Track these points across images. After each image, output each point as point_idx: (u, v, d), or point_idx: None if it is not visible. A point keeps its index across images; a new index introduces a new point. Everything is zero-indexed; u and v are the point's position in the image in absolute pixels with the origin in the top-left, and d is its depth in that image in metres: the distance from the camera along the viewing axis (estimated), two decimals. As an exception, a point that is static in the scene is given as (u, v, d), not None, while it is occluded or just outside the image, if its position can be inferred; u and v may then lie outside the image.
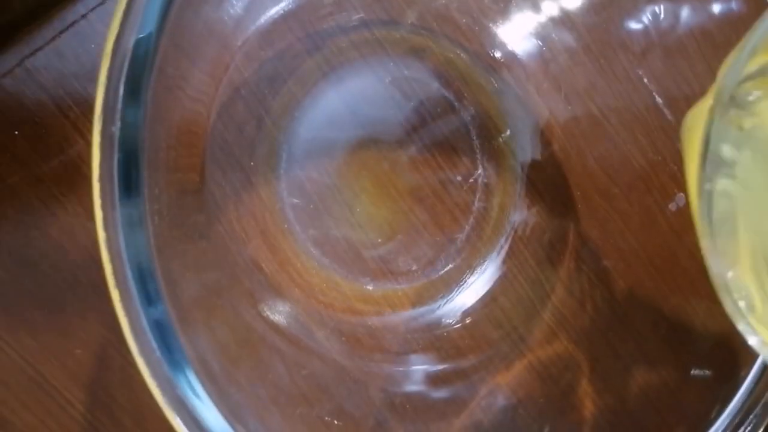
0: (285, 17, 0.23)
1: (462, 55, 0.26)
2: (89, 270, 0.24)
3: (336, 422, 0.22)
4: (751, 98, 0.17)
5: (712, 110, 0.15)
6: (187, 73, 0.19)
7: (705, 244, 0.16)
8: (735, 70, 0.15)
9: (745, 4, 0.20)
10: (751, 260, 0.17)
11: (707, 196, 0.16)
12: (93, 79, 0.15)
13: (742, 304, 0.16)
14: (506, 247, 0.26)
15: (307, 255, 0.25)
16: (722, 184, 0.16)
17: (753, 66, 0.16)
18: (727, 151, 0.16)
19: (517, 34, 0.25)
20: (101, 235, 0.15)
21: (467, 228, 0.26)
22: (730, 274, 0.16)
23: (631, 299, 0.25)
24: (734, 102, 0.16)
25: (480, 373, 0.25)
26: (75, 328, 0.24)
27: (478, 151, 0.26)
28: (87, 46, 0.24)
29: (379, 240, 0.25)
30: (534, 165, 0.26)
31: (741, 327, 0.16)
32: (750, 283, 0.17)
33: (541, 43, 0.25)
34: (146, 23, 0.15)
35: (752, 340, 0.16)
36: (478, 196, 0.26)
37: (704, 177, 0.16)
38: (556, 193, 0.26)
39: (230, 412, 0.17)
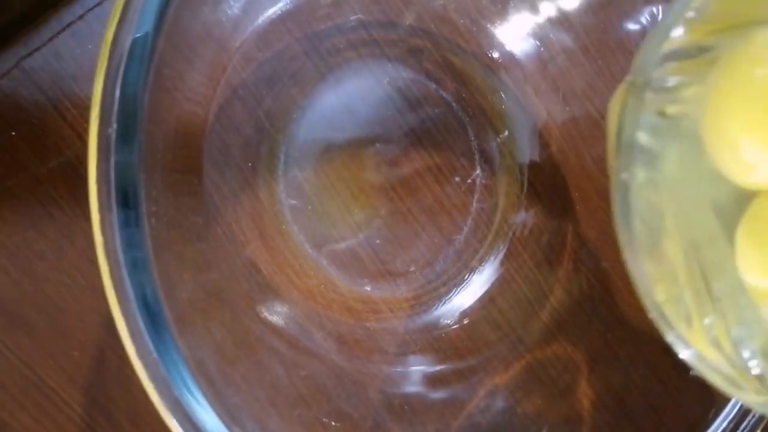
0: (283, 18, 0.23)
1: (460, 56, 0.26)
2: (87, 272, 0.24)
3: (334, 423, 0.22)
4: (670, 84, 0.15)
5: (625, 93, 0.14)
6: (185, 74, 0.19)
7: (623, 240, 0.14)
8: (650, 50, 0.14)
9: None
10: (684, 263, 0.15)
11: (623, 187, 0.14)
12: (90, 80, 0.15)
13: (676, 312, 0.14)
14: (504, 249, 0.26)
15: (305, 256, 0.25)
16: (646, 176, 0.14)
17: (674, 46, 0.14)
18: (645, 138, 0.14)
19: (515, 35, 0.25)
20: (98, 238, 0.15)
21: (465, 229, 0.26)
22: (655, 277, 0.14)
23: (629, 300, 0.25)
24: (652, 85, 0.14)
25: (478, 374, 0.25)
26: (72, 330, 0.24)
27: (476, 152, 0.26)
28: (84, 47, 0.24)
29: (378, 241, 0.25)
30: (532, 166, 0.26)
31: (671, 339, 0.14)
32: (685, 289, 0.14)
33: (539, 44, 0.25)
34: (143, 24, 0.15)
35: (684, 354, 0.14)
36: (476, 197, 0.26)
37: (620, 166, 0.14)
38: (555, 195, 0.26)
39: (227, 414, 0.17)
